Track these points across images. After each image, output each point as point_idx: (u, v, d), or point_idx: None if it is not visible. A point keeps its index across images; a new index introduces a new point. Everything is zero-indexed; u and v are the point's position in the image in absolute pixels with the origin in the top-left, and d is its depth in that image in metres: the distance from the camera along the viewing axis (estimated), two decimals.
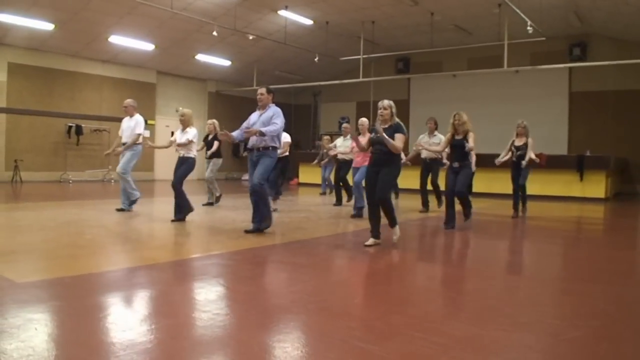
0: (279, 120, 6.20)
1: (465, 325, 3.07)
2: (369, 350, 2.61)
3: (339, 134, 13.16)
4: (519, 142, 8.82)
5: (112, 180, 15.76)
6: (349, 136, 9.72)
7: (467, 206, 7.60)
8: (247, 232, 6.28)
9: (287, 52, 17.35)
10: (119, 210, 8.18)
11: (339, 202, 10.26)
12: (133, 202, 8.31)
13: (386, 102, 5.70)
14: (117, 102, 14.24)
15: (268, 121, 6.20)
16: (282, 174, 9.74)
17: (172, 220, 7.22)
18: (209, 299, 3.54)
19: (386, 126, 5.64)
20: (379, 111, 5.70)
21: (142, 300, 3.57)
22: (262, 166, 6.17)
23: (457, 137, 7.30)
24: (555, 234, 7.55)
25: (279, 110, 6.32)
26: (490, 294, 3.96)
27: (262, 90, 6.33)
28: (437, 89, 18.26)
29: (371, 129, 6.06)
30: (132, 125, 8.33)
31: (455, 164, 7.34)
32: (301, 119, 22.11)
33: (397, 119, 5.71)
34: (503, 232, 7.73)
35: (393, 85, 17.98)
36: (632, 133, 15.19)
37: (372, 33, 15.63)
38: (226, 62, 18.28)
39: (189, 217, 7.41)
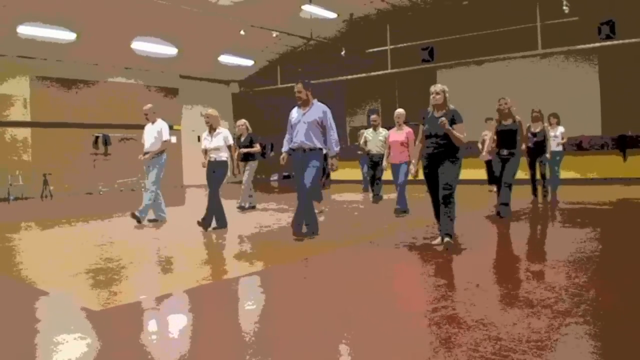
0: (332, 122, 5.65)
1: None
2: None
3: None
4: (535, 129, 8.79)
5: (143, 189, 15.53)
6: (380, 129, 8.84)
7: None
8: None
9: (310, 48, 16.92)
10: (150, 220, 7.78)
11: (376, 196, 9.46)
12: (155, 219, 7.77)
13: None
14: (141, 109, 14.00)
15: (315, 121, 5.57)
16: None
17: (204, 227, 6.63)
18: None
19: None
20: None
21: None
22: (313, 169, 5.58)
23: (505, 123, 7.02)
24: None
25: (326, 108, 5.64)
26: None
27: (299, 86, 5.60)
28: (465, 79, 17.41)
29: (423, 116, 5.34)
30: (156, 133, 7.64)
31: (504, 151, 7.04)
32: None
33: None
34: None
35: (418, 78, 17.18)
36: None
37: (397, 23, 15.08)
38: (249, 62, 17.94)
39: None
